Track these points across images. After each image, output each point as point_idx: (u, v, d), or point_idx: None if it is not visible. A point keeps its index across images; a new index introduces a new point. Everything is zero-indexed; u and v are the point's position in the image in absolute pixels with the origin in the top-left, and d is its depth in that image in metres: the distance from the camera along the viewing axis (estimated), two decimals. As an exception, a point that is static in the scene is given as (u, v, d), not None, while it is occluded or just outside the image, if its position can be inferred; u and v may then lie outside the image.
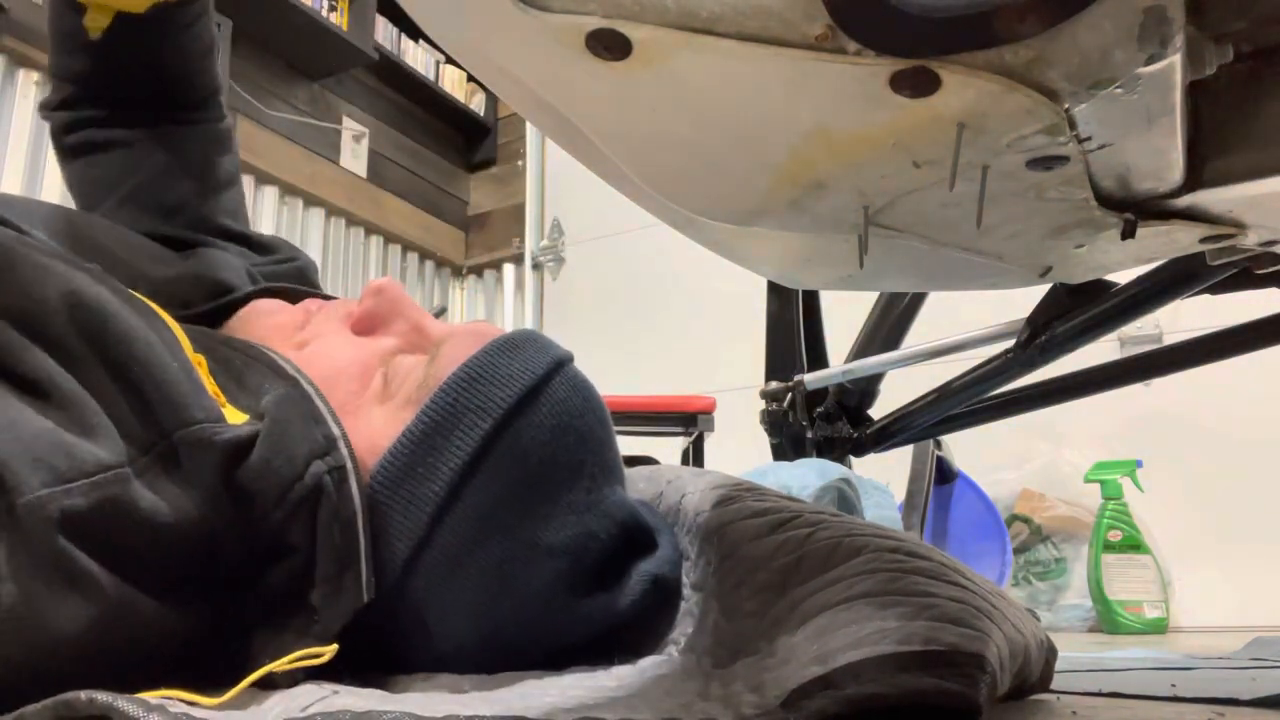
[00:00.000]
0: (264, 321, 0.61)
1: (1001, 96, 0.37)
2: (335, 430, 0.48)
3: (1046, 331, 0.92)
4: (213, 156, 0.81)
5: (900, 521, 1.30)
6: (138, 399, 0.42)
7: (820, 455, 1.29)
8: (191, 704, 0.36)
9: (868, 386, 1.32)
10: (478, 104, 3.60)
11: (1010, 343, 0.98)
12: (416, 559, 0.49)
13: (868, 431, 1.28)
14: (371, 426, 0.51)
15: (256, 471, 0.43)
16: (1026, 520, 2.09)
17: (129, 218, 0.74)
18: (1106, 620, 1.89)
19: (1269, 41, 0.40)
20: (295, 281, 0.73)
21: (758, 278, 0.75)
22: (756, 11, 0.34)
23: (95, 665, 0.40)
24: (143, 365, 0.43)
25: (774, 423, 1.34)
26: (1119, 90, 0.37)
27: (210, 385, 0.46)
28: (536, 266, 3.41)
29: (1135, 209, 0.47)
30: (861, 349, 1.30)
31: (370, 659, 0.50)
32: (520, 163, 3.56)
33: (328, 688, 0.41)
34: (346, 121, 3.17)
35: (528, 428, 0.50)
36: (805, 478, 1.01)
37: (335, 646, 0.43)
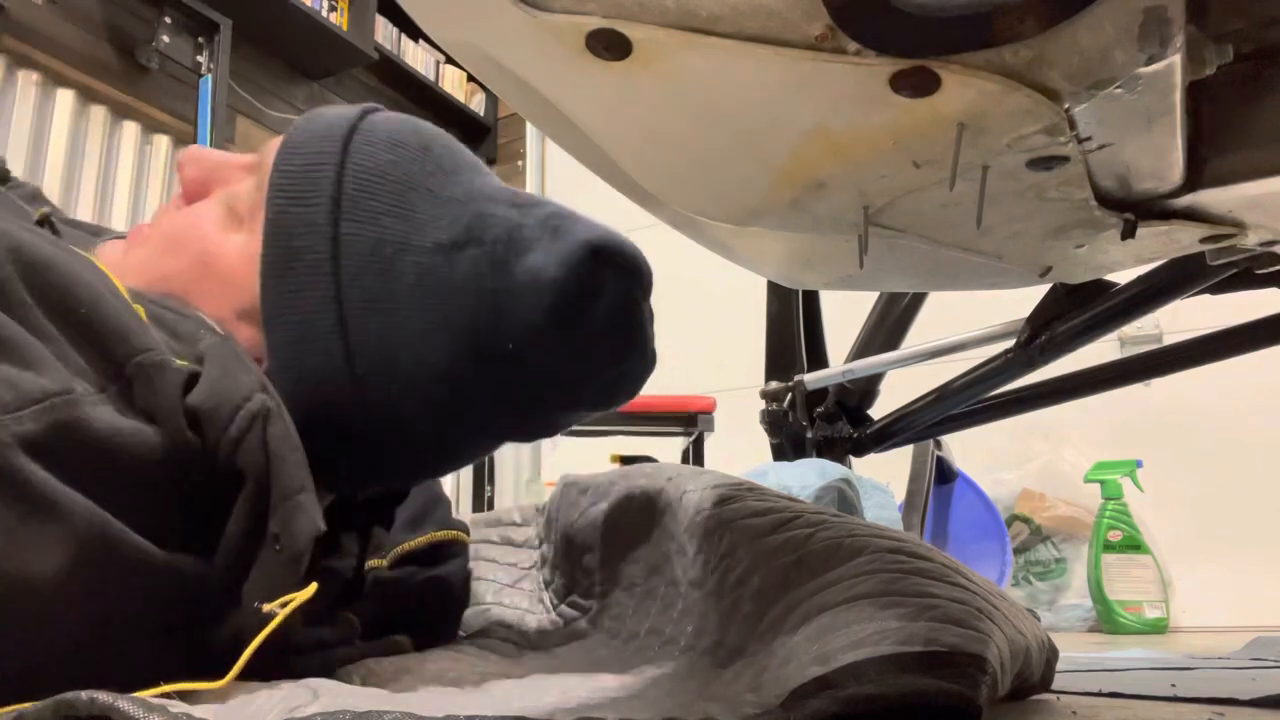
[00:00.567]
0: (115, 256, 0.58)
1: (1001, 96, 0.37)
2: (263, 377, 0.48)
3: (1046, 331, 0.92)
4: None
5: (900, 521, 1.29)
6: (87, 335, 0.43)
7: (820, 455, 1.29)
8: (192, 693, 0.36)
9: (868, 386, 1.32)
10: (478, 104, 3.60)
11: (1010, 343, 0.98)
12: (344, 325, 0.49)
13: (868, 431, 1.28)
14: (239, 249, 0.52)
15: (207, 393, 0.44)
16: (1026, 520, 2.08)
17: None
18: (1106, 620, 1.89)
19: (1269, 41, 0.40)
20: (28, 200, 0.72)
21: (758, 278, 0.75)
22: (756, 11, 0.34)
23: (81, 611, 0.39)
24: (89, 305, 0.43)
25: (774, 423, 1.34)
26: (1119, 90, 0.37)
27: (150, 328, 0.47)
28: (536, 266, 3.40)
29: (1135, 209, 0.47)
30: (861, 349, 1.30)
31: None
32: (520, 163, 3.56)
33: (316, 685, 0.41)
34: (346, 121, 3.17)
35: (369, 155, 0.52)
36: (805, 478, 1.01)
37: (315, 586, 0.43)
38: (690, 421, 1.95)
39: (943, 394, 1.13)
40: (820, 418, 1.31)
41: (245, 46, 2.72)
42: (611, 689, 0.46)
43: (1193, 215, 0.47)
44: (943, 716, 0.39)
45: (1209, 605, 2.00)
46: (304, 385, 0.50)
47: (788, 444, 1.33)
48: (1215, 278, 0.78)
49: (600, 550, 0.64)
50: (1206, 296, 0.83)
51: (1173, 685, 0.65)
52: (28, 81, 2.28)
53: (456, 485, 2.62)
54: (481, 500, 2.17)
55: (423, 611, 0.64)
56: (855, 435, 1.29)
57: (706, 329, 2.68)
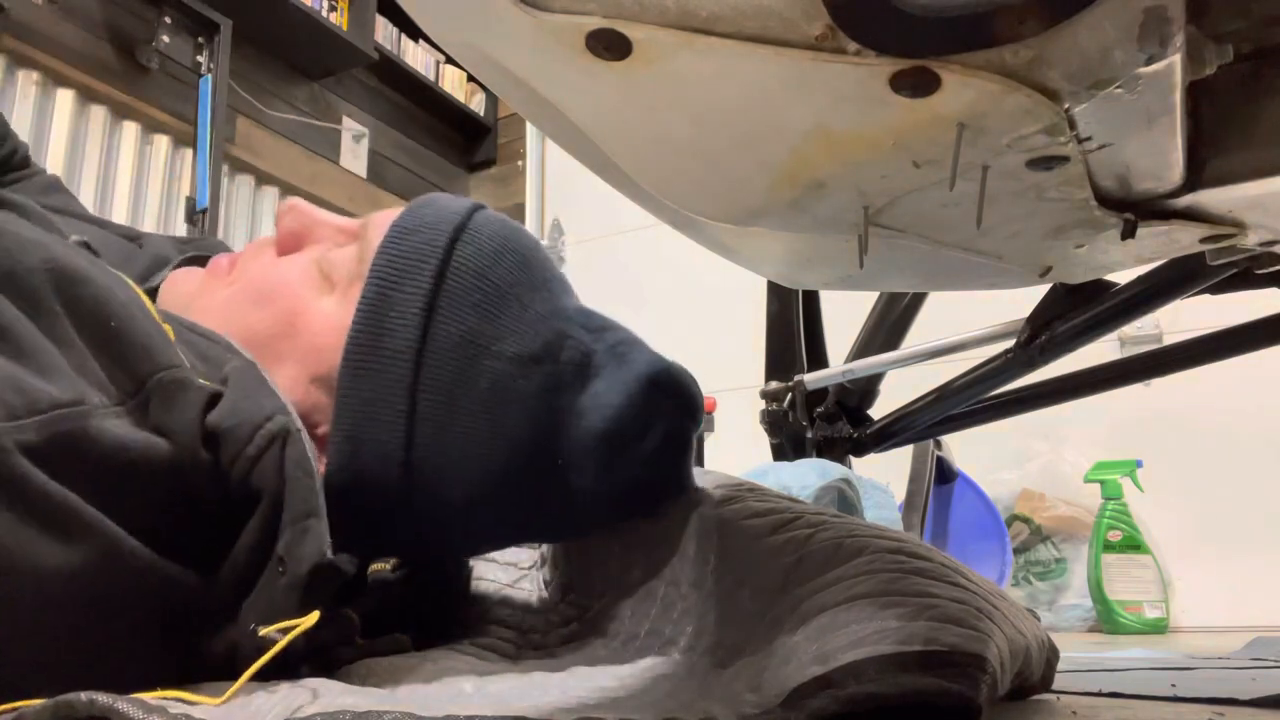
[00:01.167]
0: (191, 288, 0.59)
1: (1001, 96, 0.37)
2: (286, 402, 0.48)
3: (1046, 331, 0.92)
4: None
5: (900, 521, 1.29)
6: (112, 349, 0.44)
7: (820, 455, 1.29)
8: (191, 703, 0.36)
9: (868, 386, 1.32)
10: (478, 104, 3.60)
11: (1010, 343, 0.98)
12: (413, 413, 0.51)
13: (868, 431, 1.28)
14: (326, 315, 0.54)
15: (228, 412, 0.45)
16: (1026, 520, 2.08)
17: None
18: (1106, 620, 1.89)
19: (1269, 41, 0.40)
20: (47, 190, 0.74)
21: (758, 278, 0.75)
22: (756, 11, 0.34)
23: (81, 614, 0.39)
24: (120, 320, 0.44)
25: (774, 423, 1.34)
26: (1119, 90, 0.37)
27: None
28: (536, 266, 3.40)
29: (1135, 209, 0.47)
30: (861, 349, 1.30)
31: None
32: (520, 163, 3.56)
33: (316, 685, 0.41)
34: (346, 121, 3.17)
35: (472, 255, 0.53)
36: (805, 478, 1.01)
37: (317, 614, 0.43)
38: (690, 421, 1.95)
39: (943, 394, 1.13)
40: (820, 418, 1.31)
41: (245, 46, 2.72)
42: (611, 689, 0.46)
43: (1193, 215, 0.47)
44: (943, 716, 0.39)
45: (1209, 605, 2.00)
46: (359, 459, 0.52)
47: (788, 444, 1.33)
48: (1215, 278, 0.78)
49: (600, 551, 0.64)
50: (1206, 296, 0.83)
51: (1173, 685, 0.65)
52: (28, 81, 2.28)
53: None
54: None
55: (423, 610, 0.64)
56: (855, 435, 1.29)
57: (706, 329, 2.68)
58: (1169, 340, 1.75)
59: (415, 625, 0.61)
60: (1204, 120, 0.43)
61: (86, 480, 0.40)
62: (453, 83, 3.51)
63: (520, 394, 0.53)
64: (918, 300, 1.28)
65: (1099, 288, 0.87)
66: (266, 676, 0.42)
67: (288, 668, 0.45)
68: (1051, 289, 0.91)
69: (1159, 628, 1.87)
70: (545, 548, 0.71)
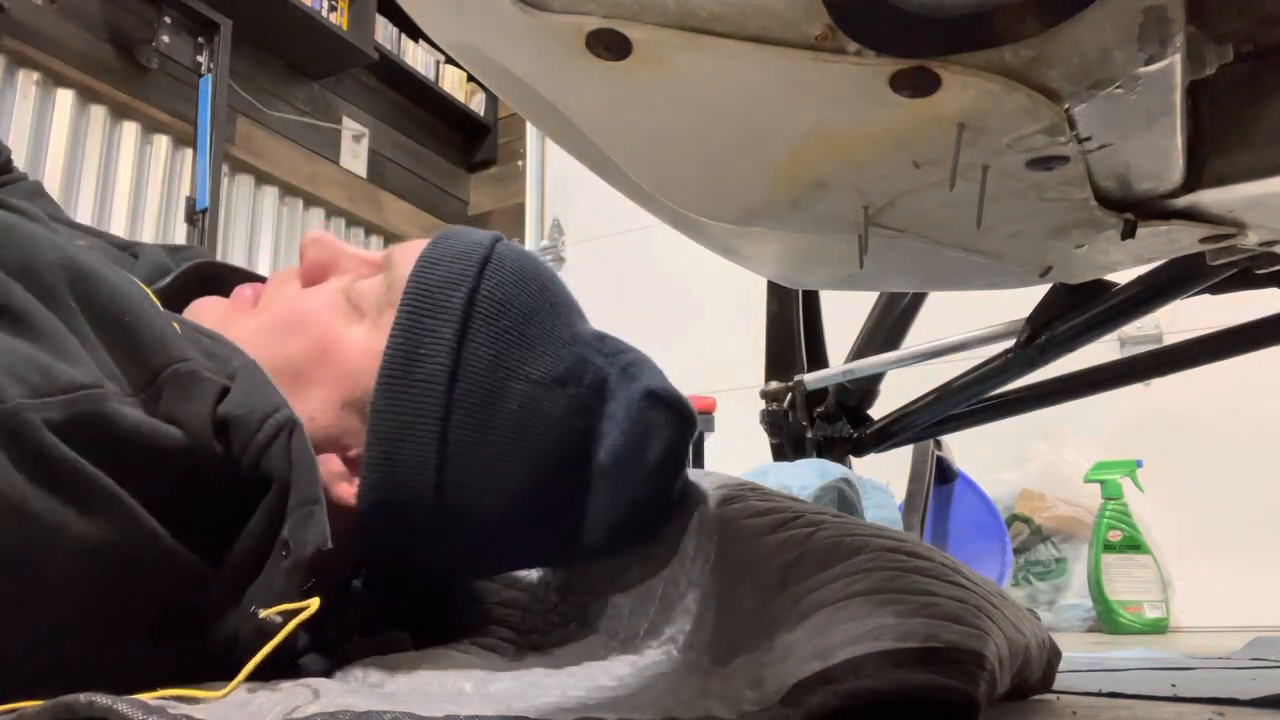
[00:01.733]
0: (215, 317, 0.60)
1: (1001, 96, 0.37)
2: (284, 397, 0.50)
3: (1046, 331, 0.92)
4: None
5: (900, 521, 1.29)
6: (126, 342, 0.46)
7: (820, 455, 1.29)
8: (192, 701, 0.36)
9: (868, 386, 1.32)
10: (478, 104, 3.60)
11: (1010, 343, 0.98)
12: (445, 435, 0.53)
13: (868, 431, 1.28)
14: (357, 343, 0.55)
15: (239, 402, 0.47)
16: (1026, 520, 2.08)
17: None
18: (1106, 620, 1.89)
19: (1269, 41, 0.40)
20: (32, 196, 0.75)
21: (758, 278, 0.75)
22: (756, 11, 0.34)
23: (101, 592, 0.41)
24: (133, 315, 0.46)
25: (774, 423, 1.34)
26: (1119, 90, 0.37)
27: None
28: (537, 266, 3.40)
29: (1135, 209, 0.47)
30: (861, 349, 1.30)
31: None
32: (520, 163, 3.56)
33: (317, 685, 0.41)
34: (346, 121, 3.17)
35: (499, 285, 0.56)
36: (805, 478, 1.01)
37: (317, 601, 0.44)
38: (690, 421, 1.95)
39: (943, 394, 1.13)
40: (820, 418, 1.31)
41: (245, 46, 2.72)
42: (611, 688, 0.46)
43: (1193, 215, 0.47)
44: (941, 712, 0.39)
45: (1209, 605, 2.00)
46: (393, 479, 0.53)
47: (788, 444, 1.33)
48: (1215, 278, 0.78)
49: (600, 550, 0.64)
50: (1206, 296, 0.83)
51: (1173, 685, 0.65)
52: (28, 81, 2.28)
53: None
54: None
55: (422, 609, 0.64)
56: (855, 435, 1.29)
57: (706, 329, 2.68)
58: (1169, 340, 1.75)
59: (415, 623, 0.62)
60: (1204, 120, 0.43)
61: (107, 459, 0.41)
62: (453, 83, 3.51)
63: (547, 416, 0.55)
64: (918, 300, 1.28)
65: (1099, 288, 0.87)
66: (267, 675, 0.42)
67: (288, 665, 0.46)
68: (1051, 289, 0.91)
69: (1159, 628, 1.87)
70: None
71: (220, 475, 0.46)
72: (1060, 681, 0.61)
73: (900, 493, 1.40)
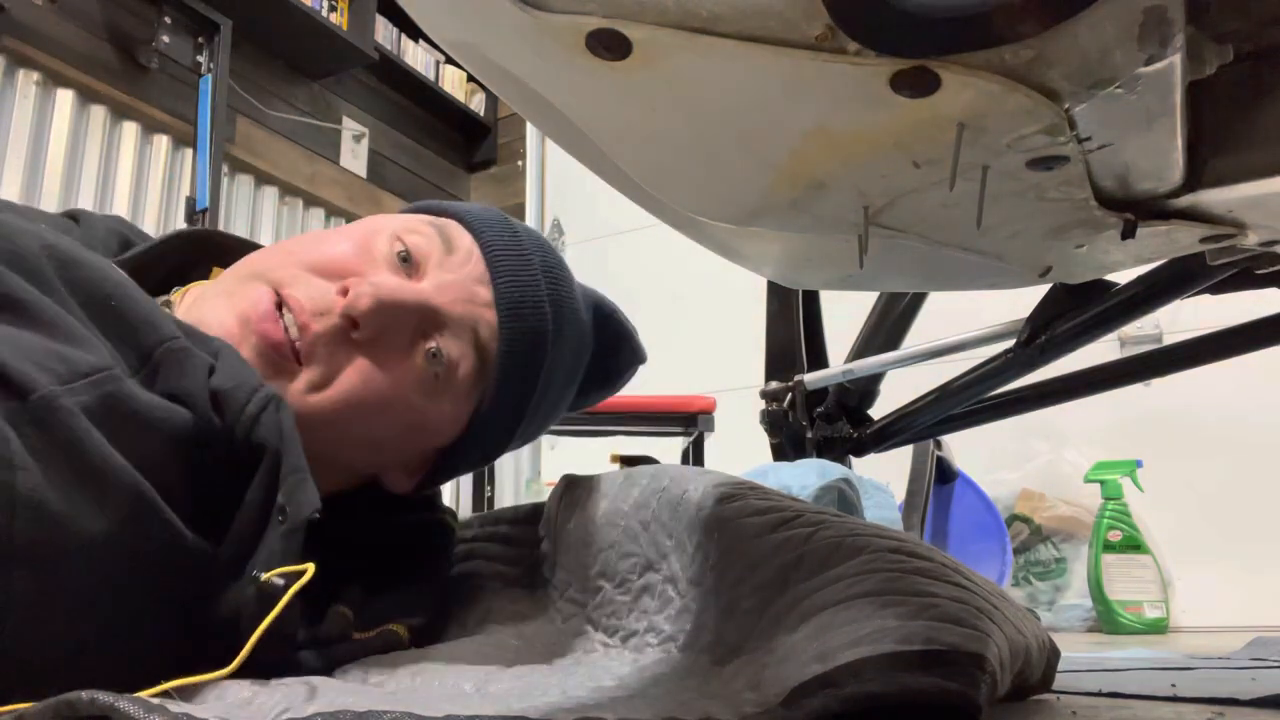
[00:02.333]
0: (241, 346, 0.56)
1: (1001, 96, 0.37)
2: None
3: (1046, 331, 0.92)
4: None
5: (900, 521, 1.29)
6: (116, 324, 0.46)
7: (820, 455, 1.28)
8: (193, 692, 0.36)
9: (868, 386, 1.32)
10: (478, 104, 3.60)
11: (1010, 343, 0.98)
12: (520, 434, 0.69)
13: (868, 431, 1.28)
14: (445, 415, 0.62)
15: (227, 377, 0.48)
16: (1026, 520, 2.08)
17: None
18: (1106, 620, 1.89)
19: (1269, 41, 0.40)
20: None
21: (758, 278, 0.75)
22: (756, 11, 0.34)
23: (114, 575, 0.41)
24: (118, 298, 0.47)
25: (774, 423, 1.34)
26: (1119, 90, 0.37)
27: None
28: (536, 266, 3.40)
29: (1135, 209, 0.47)
30: (861, 349, 1.30)
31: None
32: (520, 163, 3.56)
33: (317, 684, 0.41)
34: (346, 121, 3.17)
35: (560, 348, 0.66)
36: (805, 478, 1.01)
37: (313, 566, 0.45)
38: (690, 421, 1.95)
39: (943, 394, 1.13)
40: (820, 418, 1.31)
41: (245, 46, 2.72)
42: (611, 688, 0.46)
43: (1193, 215, 0.47)
44: (942, 715, 0.39)
45: (1209, 605, 2.00)
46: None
47: (788, 444, 1.33)
48: (1215, 278, 0.78)
49: (600, 549, 0.64)
50: (1206, 296, 0.83)
51: (1173, 685, 0.65)
52: (28, 81, 2.28)
53: (456, 486, 2.62)
54: (481, 501, 2.17)
55: (422, 601, 0.65)
56: (855, 435, 1.29)
57: (706, 329, 2.68)
58: (1169, 340, 1.75)
59: (414, 620, 0.62)
60: (1204, 120, 0.43)
61: (128, 440, 0.42)
62: (453, 83, 3.51)
63: (580, 372, 0.72)
64: (918, 300, 1.28)
65: (1099, 288, 0.87)
66: (267, 673, 0.42)
67: (288, 657, 0.46)
68: (1051, 289, 0.91)
69: (1159, 628, 1.87)
70: (546, 547, 0.71)
71: (219, 447, 0.47)
72: (1060, 681, 0.61)
73: (900, 493, 1.40)
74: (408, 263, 0.60)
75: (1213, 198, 0.45)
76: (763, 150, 0.44)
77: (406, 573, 0.65)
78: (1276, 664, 0.92)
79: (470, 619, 0.67)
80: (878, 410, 1.32)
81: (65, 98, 2.34)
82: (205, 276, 0.67)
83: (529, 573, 0.71)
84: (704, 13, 0.35)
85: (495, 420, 0.64)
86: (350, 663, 0.53)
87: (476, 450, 0.67)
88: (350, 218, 3.16)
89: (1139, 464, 1.95)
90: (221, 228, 2.52)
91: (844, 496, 1.03)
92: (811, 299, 1.40)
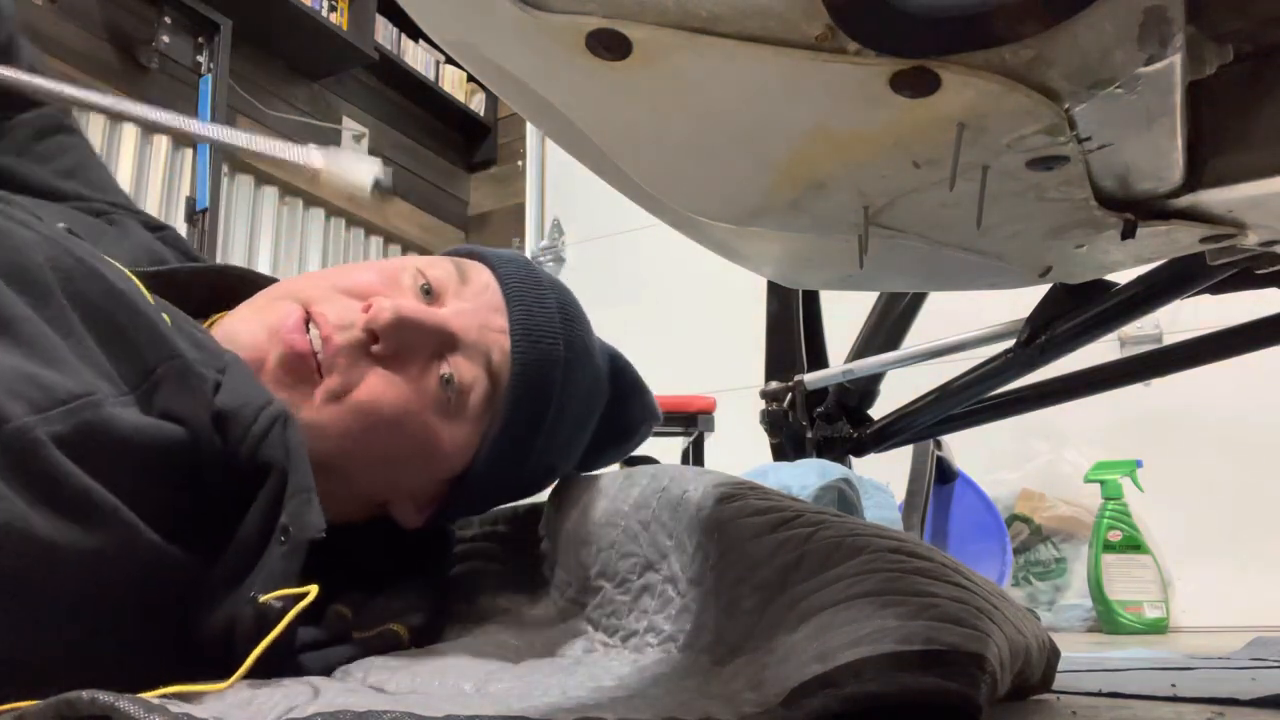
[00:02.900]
0: (268, 356, 0.57)
1: (1001, 96, 0.37)
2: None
3: (1046, 331, 0.92)
4: None
5: (900, 521, 1.29)
6: (119, 339, 0.46)
7: (820, 455, 1.28)
8: (194, 698, 0.36)
9: (868, 386, 1.32)
10: (478, 104, 3.60)
11: (1010, 343, 0.98)
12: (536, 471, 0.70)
13: (868, 431, 1.28)
14: (457, 440, 0.63)
15: (233, 395, 0.48)
16: (1026, 520, 2.08)
17: None
18: (1106, 620, 1.89)
19: (1269, 41, 0.40)
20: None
21: (758, 278, 0.75)
22: (756, 11, 0.34)
23: (97, 599, 0.41)
24: (125, 311, 0.47)
25: (774, 423, 1.34)
26: (1119, 90, 0.37)
27: None
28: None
29: (1135, 209, 0.47)
30: (861, 349, 1.30)
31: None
32: (520, 163, 3.56)
33: (317, 684, 0.41)
34: (346, 121, 3.17)
35: (572, 387, 0.66)
36: (805, 478, 1.01)
37: (316, 588, 0.45)
38: (690, 421, 1.95)
39: (943, 394, 1.13)
40: (820, 418, 1.31)
41: (245, 46, 2.72)
42: (611, 688, 0.46)
43: (1193, 215, 0.47)
44: (942, 715, 0.39)
45: (1209, 605, 2.00)
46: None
47: (788, 444, 1.33)
48: (1215, 278, 0.78)
49: (600, 548, 0.64)
50: (1206, 296, 0.83)
51: (1173, 685, 0.65)
52: (28, 81, 2.28)
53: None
54: (481, 500, 2.17)
55: (421, 601, 0.65)
56: (855, 435, 1.29)
57: (706, 329, 2.68)
58: (1169, 340, 1.75)
59: (414, 620, 0.62)
60: (1204, 120, 0.43)
61: (107, 467, 0.42)
62: (453, 83, 3.51)
63: (599, 413, 0.72)
64: (918, 300, 1.28)
65: (1099, 288, 0.87)
66: (268, 671, 0.43)
67: (288, 660, 0.46)
68: (1051, 289, 0.91)
69: (1159, 628, 1.87)
70: (546, 546, 0.71)
71: (219, 466, 0.47)
72: (1060, 681, 0.61)
73: (900, 493, 1.40)
74: (429, 294, 0.63)
75: (1213, 198, 0.45)
76: (763, 150, 0.44)
77: (406, 573, 0.66)
78: (1276, 664, 0.92)
79: (470, 619, 0.68)
80: (878, 410, 1.32)
81: (65, 98, 2.34)
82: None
83: (529, 573, 0.71)
84: (704, 13, 0.35)
85: (505, 448, 0.64)
86: (350, 663, 0.53)
87: (485, 483, 0.66)
88: (350, 218, 3.15)
89: (1139, 464, 1.95)
90: (221, 228, 2.53)
91: (844, 496, 1.03)
92: (811, 299, 1.40)
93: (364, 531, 0.64)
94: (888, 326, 1.29)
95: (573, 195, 3.35)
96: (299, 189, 2.96)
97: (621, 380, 0.75)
